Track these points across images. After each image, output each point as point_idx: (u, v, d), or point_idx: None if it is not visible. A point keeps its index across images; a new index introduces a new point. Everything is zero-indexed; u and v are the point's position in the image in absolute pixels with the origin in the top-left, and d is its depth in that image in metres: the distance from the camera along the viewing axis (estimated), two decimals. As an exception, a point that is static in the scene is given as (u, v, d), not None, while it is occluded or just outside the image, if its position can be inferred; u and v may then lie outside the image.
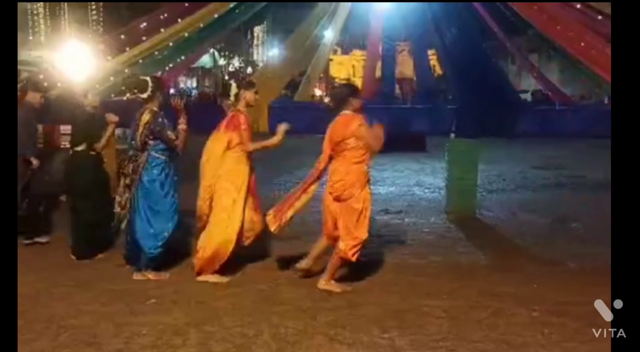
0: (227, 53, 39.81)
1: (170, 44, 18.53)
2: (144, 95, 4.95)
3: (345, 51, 34.47)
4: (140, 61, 17.86)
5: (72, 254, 5.62)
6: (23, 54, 31.13)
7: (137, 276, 5.02)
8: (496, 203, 8.47)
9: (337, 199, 4.66)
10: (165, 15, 17.87)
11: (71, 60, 16.39)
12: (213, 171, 4.96)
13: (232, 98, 5.02)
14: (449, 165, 7.82)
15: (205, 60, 35.84)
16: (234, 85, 5.10)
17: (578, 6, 15.73)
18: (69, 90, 6.67)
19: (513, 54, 29.16)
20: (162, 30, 17.64)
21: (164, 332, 3.92)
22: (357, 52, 31.95)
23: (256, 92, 5.13)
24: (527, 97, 26.42)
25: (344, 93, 4.83)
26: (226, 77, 37.24)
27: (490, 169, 10.66)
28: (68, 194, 5.70)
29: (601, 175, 9.28)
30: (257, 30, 42.21)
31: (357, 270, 5.33)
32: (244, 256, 5.68)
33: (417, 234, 6.67)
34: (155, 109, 4.95)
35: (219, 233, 4.91)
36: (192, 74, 37.97)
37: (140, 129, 4.88)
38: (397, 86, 26.49)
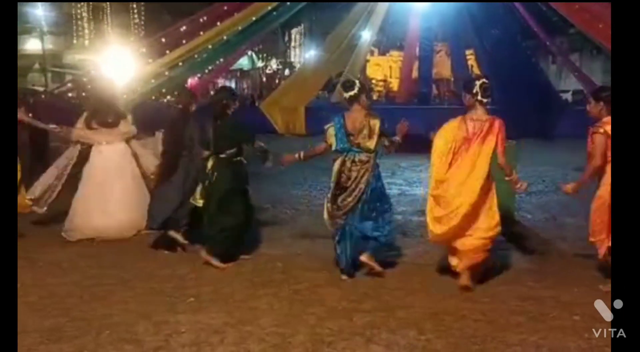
0: (265, 55, 40.12)
1: (210, 46, 18.76)
2: (350, 94, 5.03)
3: (383, 52, 34.32)
4: (180, 64, 18.14)
5: (213, 255, 5.42)
6: (68, 58, 32.02)
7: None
8: (536, 205, 8.32)
9: None
10: (205, 18, 18.10)
11: (114, 64, 16.77)
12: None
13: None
14: (487, 166, 7.71)
15: (244, 62, 36.20)
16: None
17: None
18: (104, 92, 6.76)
19: (554, 53, 28.62)
20: (201, 33, 17.87)
21: (203, 331, 3.98)
22: (394, 53, 31.75)
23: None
24: (568, 97, 25.89)
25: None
26: (264, 79, 37.56)
27: (529, 170, 10.47)
28: (214, 199, 5.44)
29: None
30: (295, 32, 42.43)
31: (396, 271, 5.33)
32: (281, 256, 5.74)
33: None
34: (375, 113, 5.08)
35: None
36: (231, 76, 38.38)
37: (376, 134, 4.98)
38: (434, 87, 26.25)
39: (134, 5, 31.33)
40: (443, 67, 26.98)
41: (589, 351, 3.70)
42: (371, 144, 5.00)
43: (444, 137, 4.85)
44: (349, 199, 4.99)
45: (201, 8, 19.26)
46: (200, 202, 5.54)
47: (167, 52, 17.45)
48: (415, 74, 25.15)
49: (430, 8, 23.27)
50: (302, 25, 40.12)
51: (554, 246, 6.25)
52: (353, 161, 5.00)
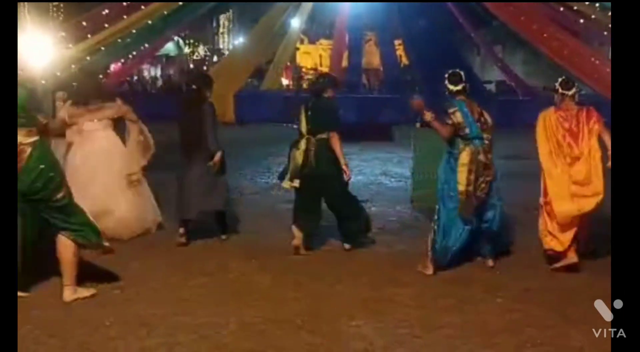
0: (192, 41, 39.28)
1: (134, 31, 18.16)
2: (457, 88, 5.18)
3: (312, 41, 34.35)
4: (103, 49, 17.48)
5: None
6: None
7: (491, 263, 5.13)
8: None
9: None
10: (129, 2, 17.50)
11: (31, 48, 15.96)
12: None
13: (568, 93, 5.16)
14: (414, 154, 7.87)
15: (170, 48, 35.29)
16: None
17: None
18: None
19: (478, 45, 29.45)
20: (124, 17, 17.27)
21: (129, 324, 3.87)
22: (324, 42, 31.84)
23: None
24: (492, 87, 26.75)
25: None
26: (191, 65, 36.84)
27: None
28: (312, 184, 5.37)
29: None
30: (223, 18, 41.73)
31: (326, 259, 5.36)
32: (215, 246, 5.66)
33: (383, 223, 6.70)
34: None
35: None
36: (156, 62, 37.37)
37: (489, 124, 5.16)
38: (363, 76, 26.54)
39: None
40: (372, 56, 27.30)
41: (512, 331, 3.85)
42: (489, 133, 5.13)
43: (544, 131, 5.23)
44: (483, 185, 5.07)
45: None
46: (288, 185, 5.43)
47: (89, 36, 16.75)
48: (345, 62, 25.32)
49: (359, -4, 23.45)
50: (231, 11, 39.50)
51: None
52: (483, 149, 5.07)
